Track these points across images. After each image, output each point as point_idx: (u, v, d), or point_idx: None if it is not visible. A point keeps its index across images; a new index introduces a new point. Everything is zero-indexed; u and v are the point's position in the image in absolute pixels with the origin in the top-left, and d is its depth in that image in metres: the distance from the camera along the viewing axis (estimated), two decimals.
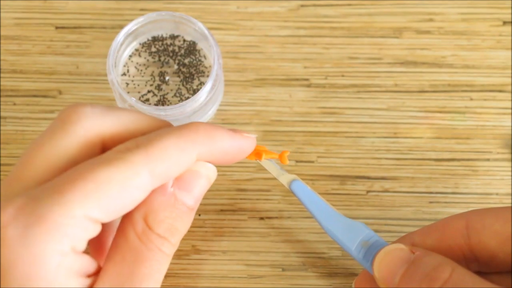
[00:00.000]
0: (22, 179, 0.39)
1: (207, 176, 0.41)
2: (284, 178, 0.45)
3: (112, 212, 0.37)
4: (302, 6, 0.56)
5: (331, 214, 0.44)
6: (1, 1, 0.56)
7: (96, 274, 0.38)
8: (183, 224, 0.40)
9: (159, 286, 0.39)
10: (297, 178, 0.45)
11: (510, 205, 0.50)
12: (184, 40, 0.54)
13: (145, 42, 0.54)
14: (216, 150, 0.41)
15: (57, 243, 0.36)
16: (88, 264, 0.38)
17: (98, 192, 0.37)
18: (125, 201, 0.38)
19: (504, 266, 0.40)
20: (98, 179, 0.37)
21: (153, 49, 0.54)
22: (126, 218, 0.39)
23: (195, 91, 0.53)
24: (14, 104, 0.54)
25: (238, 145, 0.42)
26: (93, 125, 0.40)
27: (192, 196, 0.40)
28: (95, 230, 0.38)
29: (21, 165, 0.39)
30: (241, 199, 0.51)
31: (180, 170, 0.40)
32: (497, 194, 0.51)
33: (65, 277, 0.36)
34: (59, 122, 0.40)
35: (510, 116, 0.53)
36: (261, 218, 0.50)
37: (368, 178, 0.51)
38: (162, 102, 0.53)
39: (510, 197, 0.51)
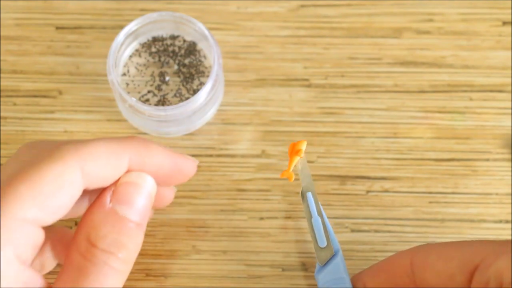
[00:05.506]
0: None
1: (146, 188, 0.41)
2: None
3: (50, 211, 0.37)
4: (302, 6, 0.56)
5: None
6: (2, 2, 0.56)
7: None
8: (131, 240, 0.39)
9: None
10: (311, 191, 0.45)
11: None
12: (184, 41, 0.54)
13: (145, 43, 0.54)
14: (151, 162, 0.41)
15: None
16: (38, 282, 0.37)
17: (31, 190, 0.36)
18: (60, 197, 0.37)
19: None
20: (30, 178, 0.37)
21: (153, 49, 0.54)
22: (71, 243, 0.39)
23: (195, 91, 0.53)
24: (14, 104, 0.54)
25: (175, 164, 0.42)
26: None
27: (135, 211, 0.40)
28: (37, 236, 0.37)
29: None
30: (241, 199, 0.51)
31: (112, 174, 0.40)
32: (496, 194, 0.51)
33: (11, 285, 0.36)
34: None
35: (510, 116, 0.53)
36: (261, 218, 0.50)
37: (368, 178, 0.52)
38: (162, 102, 0.53)
39: (509, 197, 0.51)
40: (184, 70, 0.53)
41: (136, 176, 0.40)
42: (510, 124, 0.53)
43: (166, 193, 0.45)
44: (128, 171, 0.41)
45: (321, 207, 0.45)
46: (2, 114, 0.53)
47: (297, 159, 0.45)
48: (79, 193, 0.38)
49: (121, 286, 0.39)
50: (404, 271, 0.41)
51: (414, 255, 0.41)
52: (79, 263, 0.38)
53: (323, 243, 0.44)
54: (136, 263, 0.40)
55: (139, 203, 0.40)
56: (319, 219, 0.45)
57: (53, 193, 0.37)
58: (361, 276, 0.44)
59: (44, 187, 0.37)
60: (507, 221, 0.50)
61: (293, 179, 0.45)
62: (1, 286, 0.35)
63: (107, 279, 0.38)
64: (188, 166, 0.43)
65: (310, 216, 0.45)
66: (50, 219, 0.38)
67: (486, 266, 0.38)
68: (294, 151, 0.45)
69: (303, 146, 0.45)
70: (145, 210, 0.40)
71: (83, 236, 0.38)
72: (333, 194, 0.51)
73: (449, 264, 0.40)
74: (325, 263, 0.44)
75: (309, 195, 0.45)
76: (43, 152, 0.38)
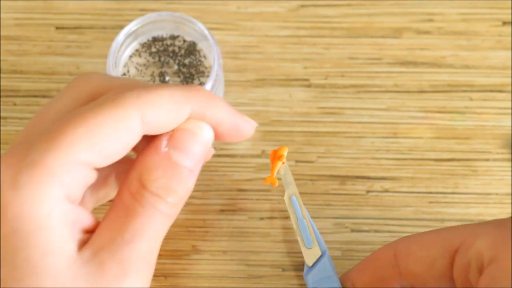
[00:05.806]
0: (33, 130, 0.39)
1: (203, 136, 0.41)
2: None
3: (105, 155, 0.37)
4: (302, 6, 0.56)
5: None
6: (2, 2, 0.56)
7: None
8: (182, 185, 0.39)
9: (155, 245, 0.38)
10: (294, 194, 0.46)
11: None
12: (184, 41, 0.54)
13: (145, 43, 0.54)
14: (212, 115, 0.41)
15: (49, 188, 0.36)
16: (87, 219, 0.38)
17: (89, 134, 0.37)
18: (116, 143, 0.38)
19: None
20: (88, 122, 0.37)
21: (153, 50, 0.54)
22: (123, 181, 0.39)
23: None
24: (15, 104, 0.54)
25: (235, 122, 0.42)
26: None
27: (189, 157, 0.40)
28: (89, 177, 0.37)
29: (34, 118, 0.40)
30: (241, 199, 0.51)
31: (171, 123, 0.40)
32: (496, 194, 0.51)
33: (58, 224, 0.36)
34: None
35: (510, 116, 0.53)
36: (261, 218, 0.50)
37: (368, 178, 0.52)
38: None
39: (510, 197, 0.51)
40: (184, 70, 0.53)
41: (194, 124, 0.41)
42: (510, 124, 0.53)
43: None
44: (187, 119, 0.41)
45: (306, 210, 0.46)
46: (2, 114, 0.53)
47: (279, 164, 0.46)
48: (136, 140, 0.39)
49: (166, 230, 0.39)
50: (388, 263, 0.42)
51: (396, 247, 0.42)
52: (128, 202, 0.38)
53: (310, 244, 0.46)
54: None
55: (194, 150, 0.40)
56: (304, 221, 0.46)
57: (110, 139, 0.37)
58: (349, 274, 0.44)
59: (101, 133, 0.37)
60: None
61: (277, 184, 0.46)
62: (49, 224, 0.36)
63: (153, 221, 0.38)
64: (246, 128, 0.43)
65: (296, 219, 0.46)
66: (104, 163, 0.38)
67: (466, 248, 0.39)
68: (276, 157, 0.46)
69: (285, 152, 0.46)
70: (199, 158, 0.40)
71: (136, 176, 0.39)
72: (333, 194, 0.51)
73: (430, 250, 0.40)
74: (313, 264, 0.45)
75: (293, 198, 0.46)
76: (104, 96, 0.39)
